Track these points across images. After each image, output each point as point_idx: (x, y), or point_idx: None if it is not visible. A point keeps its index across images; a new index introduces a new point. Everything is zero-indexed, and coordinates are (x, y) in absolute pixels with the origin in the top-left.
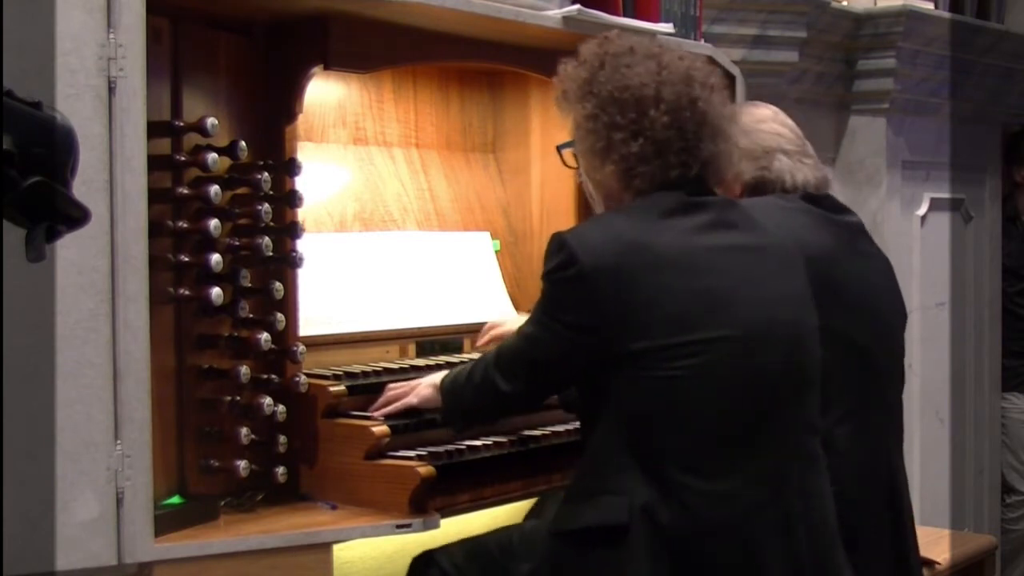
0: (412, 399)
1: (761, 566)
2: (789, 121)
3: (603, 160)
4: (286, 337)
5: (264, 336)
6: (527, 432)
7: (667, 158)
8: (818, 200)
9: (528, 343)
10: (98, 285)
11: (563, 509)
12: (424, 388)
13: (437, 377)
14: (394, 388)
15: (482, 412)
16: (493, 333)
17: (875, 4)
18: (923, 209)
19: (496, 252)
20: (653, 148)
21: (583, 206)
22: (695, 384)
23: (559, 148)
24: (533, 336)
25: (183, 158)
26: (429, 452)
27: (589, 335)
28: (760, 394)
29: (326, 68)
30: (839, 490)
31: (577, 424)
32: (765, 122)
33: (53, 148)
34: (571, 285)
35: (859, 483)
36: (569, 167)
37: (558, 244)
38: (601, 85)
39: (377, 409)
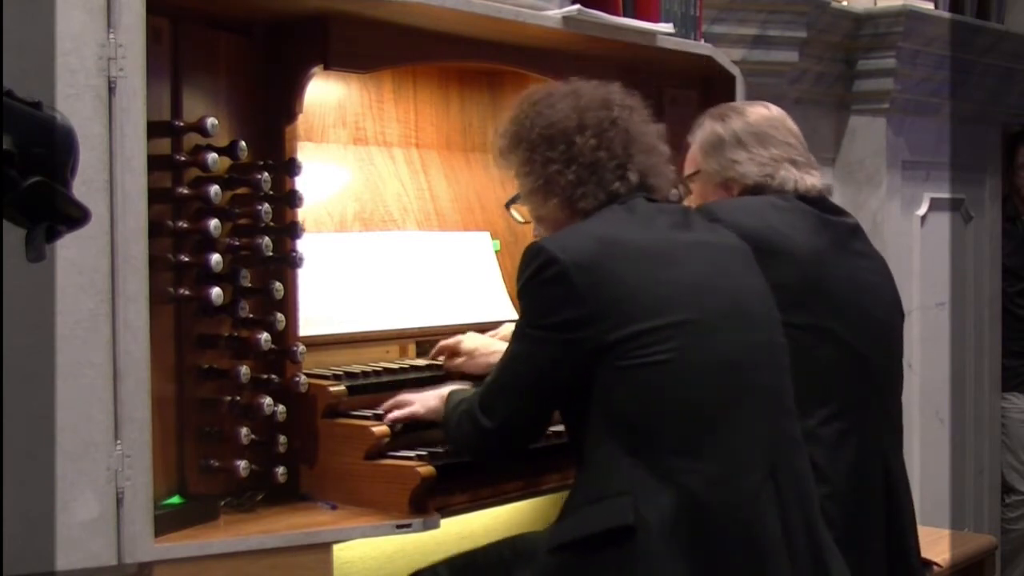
0: (418, 408)
1: (764, 549)
2: (795, 127)
3: (545, 196)
4: (286, 337)
5: (264, 336)
6: None
7: (603, 175)
8: (813, 201)
9: (512, 365)
10: (98, 285)
11: (562, 524)
12: (431, 399)
13: (446, 390)
14: (405, 394)
15: (475, 453)
16: (442, 344)
17: (875, 4)
18: (923, 209)
19: (496, 252)
20: (588, 171)
21: None
22: (675, 367)
23: (507, 205)
24: (518, 354)
25: (183, 158)
26: (429, 452)
27: (578, 331)
28: (737, 377)
29: (326, 68)
30: (831, 489)
31: None
32: (777, 128)
33: (53, 148)
34: (555, 284)
35: (851, 482)
36: (523, 222)
37: (535, 251)
38: (528, 131)
39: (386, 410)
